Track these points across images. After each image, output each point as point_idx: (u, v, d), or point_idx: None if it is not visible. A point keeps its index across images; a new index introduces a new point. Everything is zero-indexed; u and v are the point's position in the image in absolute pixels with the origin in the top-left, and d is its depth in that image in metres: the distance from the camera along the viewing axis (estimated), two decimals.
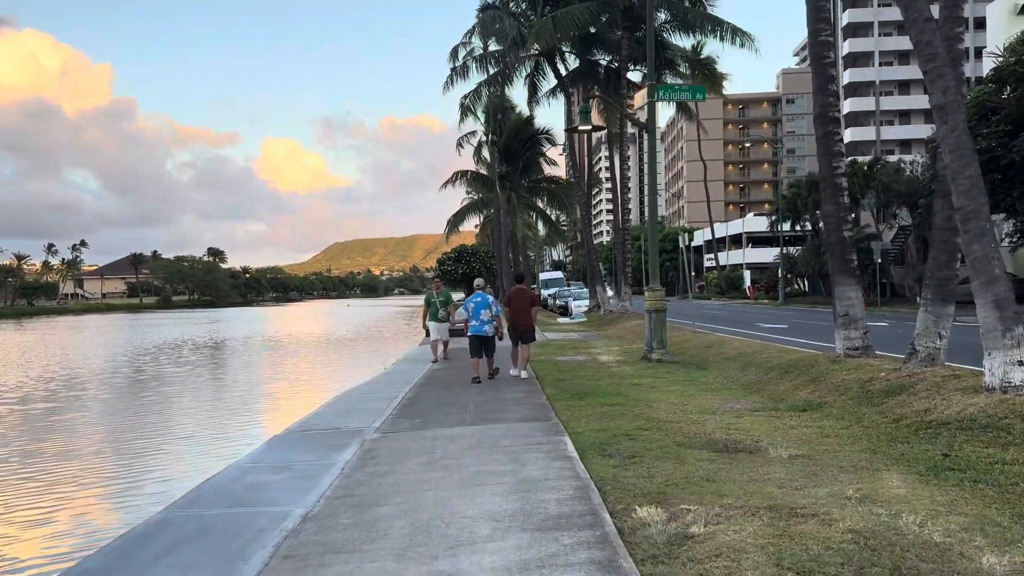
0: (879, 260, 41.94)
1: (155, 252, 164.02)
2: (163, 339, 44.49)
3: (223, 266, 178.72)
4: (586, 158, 37.14)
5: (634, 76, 33.68)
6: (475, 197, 39.77)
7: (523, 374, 13.46)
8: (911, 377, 8.86)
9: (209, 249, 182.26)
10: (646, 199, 14.76)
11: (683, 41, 32.36)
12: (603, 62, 33.75)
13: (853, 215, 44.75)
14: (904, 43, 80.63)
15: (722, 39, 28.50)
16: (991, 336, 7.40)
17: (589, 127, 15.15)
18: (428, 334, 17.69)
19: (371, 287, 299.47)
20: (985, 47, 54.22)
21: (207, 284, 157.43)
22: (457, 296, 18.98)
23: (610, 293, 35.20)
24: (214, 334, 49.09)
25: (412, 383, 13.56)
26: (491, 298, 13.48)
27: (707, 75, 33.61)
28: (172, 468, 10.80)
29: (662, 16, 31.86)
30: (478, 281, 14.11)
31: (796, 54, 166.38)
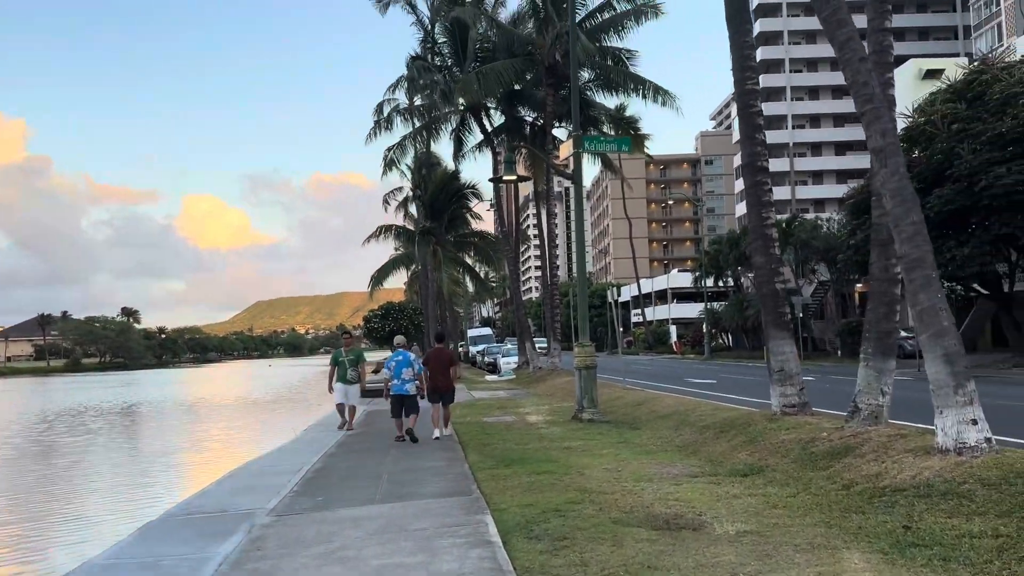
0: (800, 314, 42.62)
1: (65, 312, 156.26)
2: (66, 405, 41.53)
3: (137, 327, 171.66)
4: (514, 214, 36.85)
5: (559, 133, 33.77)
6: (402, 252, 38.96)
7: (445, 432, 13.35)
8: (855, 437, 8.32)
9: (123, 309, 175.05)
10: (574, 252, 14.07)
11: (607, 100, 32.67)
12: (529, 118, 33.75)
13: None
14: (814, 107, 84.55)
15: (644, 97, 28.80)
16: (942, 393, 6.90)
17: (514, 177, 14.64)
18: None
19: (295, 346, 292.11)
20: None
21: (120, 346, 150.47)
22: (374, 355, 17.60)
23: (541, 346, 34.56)
24: (121, 398, 46.20)
25: (322, 452, 12.42)
26: (412, 356, 13.38)
27: (630, 134, 33.90)
28: (18, 567, 9.13)
29: (586, 75, 32.14)
30: (398, 339, 14.16)
31: (713, 118, 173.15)
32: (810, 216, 56.41)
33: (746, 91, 11.14)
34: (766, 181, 11.20)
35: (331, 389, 15.22)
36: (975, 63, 29.48)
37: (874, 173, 7.33)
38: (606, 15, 28.87)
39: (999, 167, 25.19)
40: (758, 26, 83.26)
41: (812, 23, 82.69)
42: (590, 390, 14.83)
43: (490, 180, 15.78)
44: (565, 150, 15.53)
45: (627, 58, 30.26)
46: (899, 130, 32.60)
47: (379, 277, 36.88)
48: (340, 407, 15.54)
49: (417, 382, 13.11)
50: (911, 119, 30.40)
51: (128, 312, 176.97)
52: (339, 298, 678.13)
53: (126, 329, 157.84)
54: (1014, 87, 25.60)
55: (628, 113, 34.03)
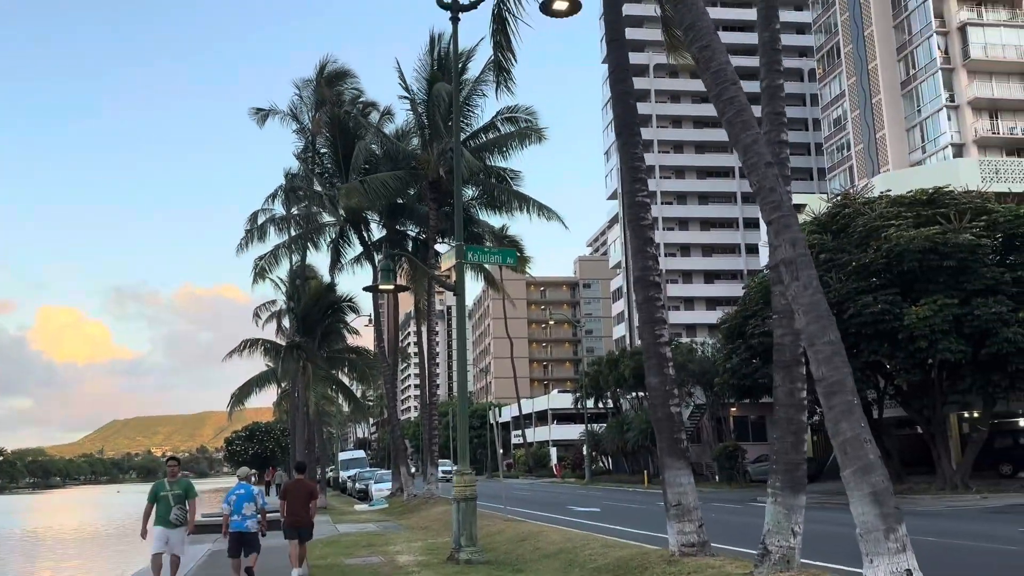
0: None
1: None
2: None
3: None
4: (393, 330, 35.47)
5: (442, 248, 33.16)
6: (268, 369, 36.46)
7: (302, 572, 12.64)
8: None
9: None
10: (455, 371, 12.79)
11: (491, 219, 32.49)
12: (411, 233, 33.06)
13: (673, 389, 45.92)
14: (684, 237, 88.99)
15: (529, 214, 28.75)
16: (871, 538, 6.00)
17: (391, 286, 13.51)
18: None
19: (149, 470, 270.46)
20: (757, 243, 60.22)
21: None
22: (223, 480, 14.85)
23: (444, 469, 32.46)
24: None
25: None
26: (256, 489, 12.44)
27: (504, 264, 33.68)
28: None
29: (470, 192, 32.00)
30: (242, 470, 13.15)
31: (590, 244, 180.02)
32: (684, 340, 57.81)
33: (636, 203, 10.62)
34: (659, 296, 10.55)
35: (144, 534, 11.18)
36: (837, 197, 31.30)
37: (784, 286, 6.69)
38: (491, 135, 29.04)
39: (866, 296, 26.17)
40: None
41: (681, 160, 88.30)
42: (469, 525, 13.30)
43: (365, 289, 14.76)
44: (448, 261, 14.60)
45: (511, 177, 30.38)
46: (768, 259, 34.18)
47: (240, 396, 34.11)
48: (157, 559, 11.45)
49: (259, 518, 12.22)
50: None
51: None
52: (202, 418, 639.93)
53: None
54: (875, 221, 27.06)
55: (511, 233, 33.98)
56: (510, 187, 29.87)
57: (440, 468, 32.18)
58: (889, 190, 30.26)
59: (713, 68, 6.87)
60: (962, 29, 55.74)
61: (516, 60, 14.54)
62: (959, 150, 54.92)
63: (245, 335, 34.90)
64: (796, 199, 51.12)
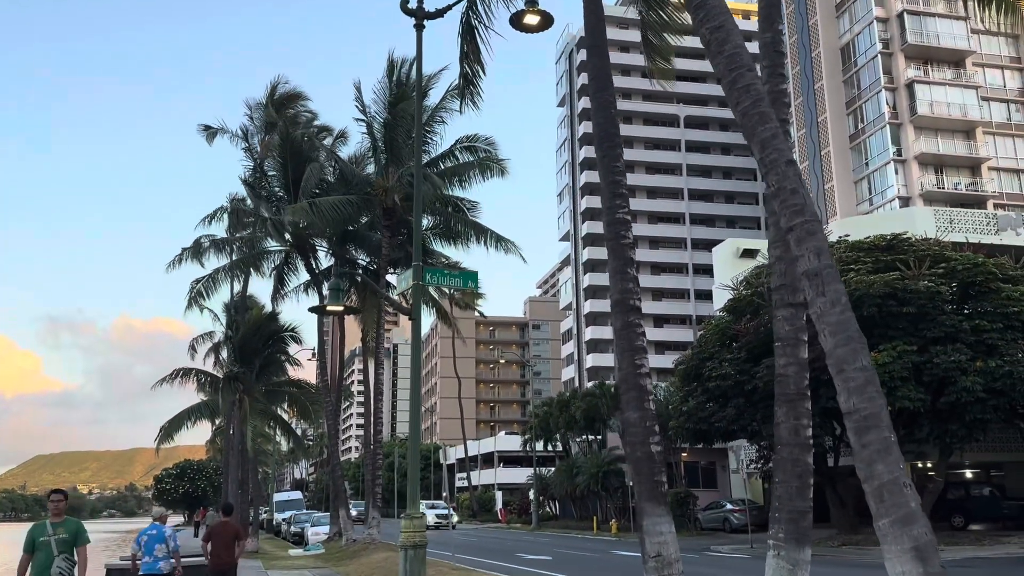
0: (631, 483, 41.51)
1: None
2: None
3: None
4: (338, 365, 33.84)
5: (393, 279, 31.90)
6: (200, 402, 34.37)
7: None
8: None
9: None
10: (399, 410, 11.56)
11: (447, 250, 31.40)
12: (362, 262, 31.75)
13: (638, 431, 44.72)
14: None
15: (487, 245, 27.79)
16: None
17: (340, 308, 12.28)
18: None
19: (74, 508, 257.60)
20: (709, 288, 60.27)
21: None
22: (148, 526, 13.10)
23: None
24: None
25: None
26: (168, 530, 11.95)
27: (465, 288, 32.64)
28: None
29: (426, 222, 30.95)
30: (156, 511, 13.31)
31: (539, 286, 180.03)
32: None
33: (616, 220, 9.70)
34: (639, 323, 9.58)
35: None
36: None
37: (811, 302, 5.75)
38: (448, 163, 28.11)
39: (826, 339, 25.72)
40: (584, 202, 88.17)
41: (633, 204, 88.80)
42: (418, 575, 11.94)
43: (312, 309, 13.60)
44: (405, 283, 13.46)
45: (468, 208, 29.43)
46: (725, 301, 33.82)
47: (170, 429, 31.90)
48: None
49: (173, 561, 11.69)
50: (736, 292, 31.25)
51: None
52: (133, 454, 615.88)
53: None
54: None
55: (466, 267, 32.95)
56: (467, 217, 28.91)
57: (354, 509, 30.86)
58: (847, 235, 30.17)
59: (727, 51, 6.02)
60: (909, 86, 57.37)
61: (485, 73, 13.66)
62: (905, 203, 56.05)
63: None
64: (751, 243, 51.47)
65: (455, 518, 52.24)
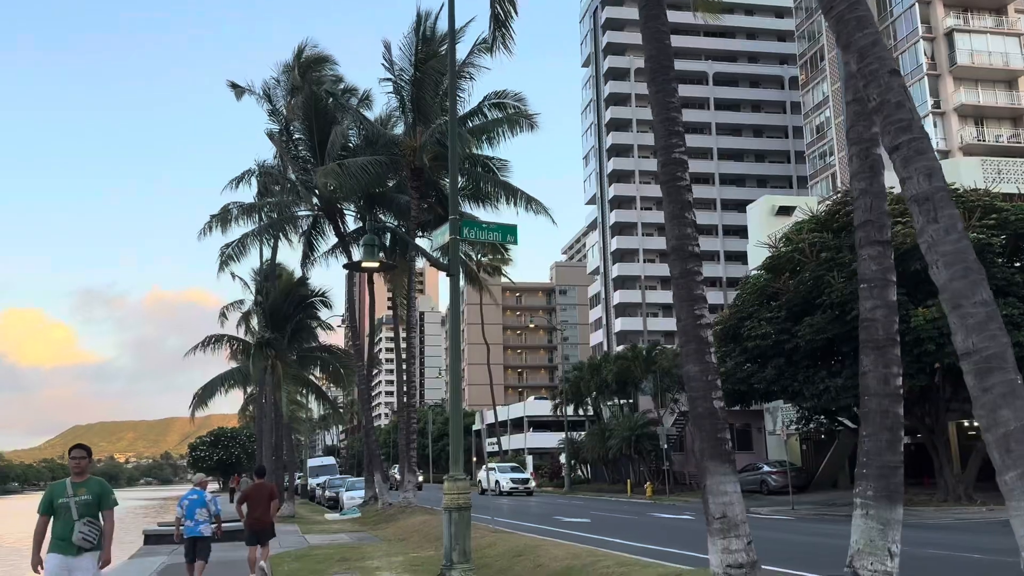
0: (664, 446, 41.08)
1: None
2: None
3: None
4: (370, 328, 33.52)
5: (423, 243, 31.40)
6: (234, 367, 34.29)
7: (262, 563, 12.50)
8: None
9: None
10: (448, 364, 11.06)
11: (476, 212, 30.78)
12: (390, 224, 31.24)
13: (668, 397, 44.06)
14: (663, 243, 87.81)
15: (516, 207, 27.13)
16: None
17: (376, 264, 11.75)
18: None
19: (112, 476, 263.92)
20: (744, 250, 59.13)
21: None
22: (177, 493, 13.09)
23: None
24: None
25: None
26: (208, 495, 12.39)
27: (495, 247, 32.10)
28: None
29: None
30: (196, 476, 13.36)
31: (564, 252, 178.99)
32: (669, 347, 56.43)
33: (672, 160, 9.02)
34: (699, 270, 8.93)
35: (37, 567, 7.18)
36: (836, 195, 30.03)
37: (920, 230, 5.07)
38: (477, 120, 27.35)
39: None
40: (611, 164, 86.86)
41: None
42: (462, 539, 11.52)
43: (345, 266, 13.14)
44: (442, 238, 12.89)
45: (497, 167, 28.72)
46: (763, 259, 32.92)
47: (204, 396, 31.83)
48: None
49: (214, 524, 12.21)
50: (774, 249, 30.34)
51: None
52: (167, 424, 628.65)
53: None
54: None
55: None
56: (496, 177, 28.21)
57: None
58: (892, 187, 29.04)
59: None
60: (948, 35, 55.25)
61: (516, 12, 12.94)
62: (944, 156, 54.26)
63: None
64: (786, 200, 50.24)
65: (533, 483, 47.59)
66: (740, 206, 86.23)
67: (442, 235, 12.91)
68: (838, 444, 35.73)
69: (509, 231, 13.06)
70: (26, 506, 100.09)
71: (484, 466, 49.11)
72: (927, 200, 4.98)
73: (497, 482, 44.25)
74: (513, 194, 27.26)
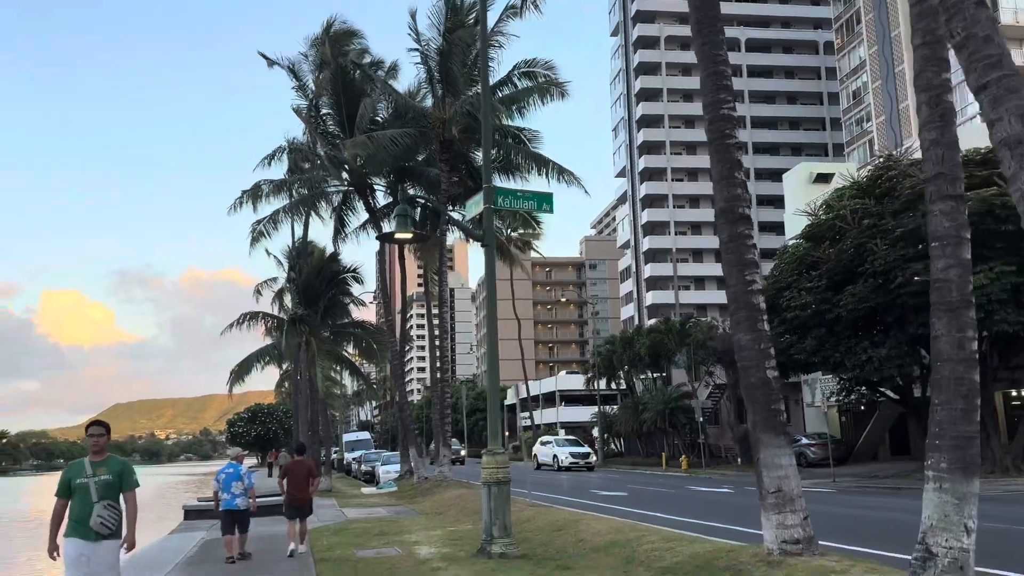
0: (700, 419, 40.65)
1: None
2: None
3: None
4: (402, 303, 33.39)
5: (454, 215, 31.09)
6: (269, 344, 34.48)
7: (301, 549, 12.64)
8: None
9: None
10: (486, 338, 10.84)
11: (506, 184, 30.35)
12: (420, 199, 30.96)
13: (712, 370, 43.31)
14: (695, 215, 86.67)
15: (548, 178, 26.64)
16: None
17: (409, 235, 11.48)
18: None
19: (153, 453, 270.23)
20: (780, 219, 58.02)
21: None
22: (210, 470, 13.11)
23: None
24: None
25: None
26: (243, 468, 12.73)
27: (527, 218, 31.73)
28: None
29: (480, 156, 29.90)
30: (233, 450, 13.76)
31: (593, 226, 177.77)
32: (704, 319, 55.76)
33: (721, 116, 8.56)
34: (749, 234, 8.50)
35: (53, 553, 6.49)
36: (879, 159, 29.11)
37: (1010, 177, 4.62)
38: (506, 90, 26.83)
39: (916, 263, 24.12)
40: (641, 135, 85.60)
41: (692, 135, 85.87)
42: (502, 514, 11.31)
43: (378, 237, 12.92)
44: (475, 207, 12.55)
45: (528, 139, 28.23)
46: (802, 228, 32.08)
47: (240, 371, 32.04)
48: None
49: (250, 495, 12.56)
50: (814, 217, 29.57)
51: None
52: (205, 401, 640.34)
53: None
54: (924, 183, 24.93)
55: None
56: (527, 148, 27.72)
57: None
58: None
59: None
60: None
61: None
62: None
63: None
64: (824, 167, 49.02)
65: (594, 458, 43.22)
66: (774, 175, 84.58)
67: (476, 205, 12.56)
68: (879, 416, 35.02)
69: (545, 199, 12.68)
70: None
71: (539, 440, 46.86)
72: (1020, 143, 4.51)
73: (555, 456, 42.05)
74: (544, 165, 26.77)
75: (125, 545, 6.55)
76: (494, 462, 11.52)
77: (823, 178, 42.94)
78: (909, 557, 7.93)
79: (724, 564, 8.07)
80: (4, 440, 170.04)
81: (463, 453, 62.02)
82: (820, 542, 8.31)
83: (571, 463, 40.03)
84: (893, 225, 25.39)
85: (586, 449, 42.93)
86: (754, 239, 8.64)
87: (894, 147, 56.79)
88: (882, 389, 29.63)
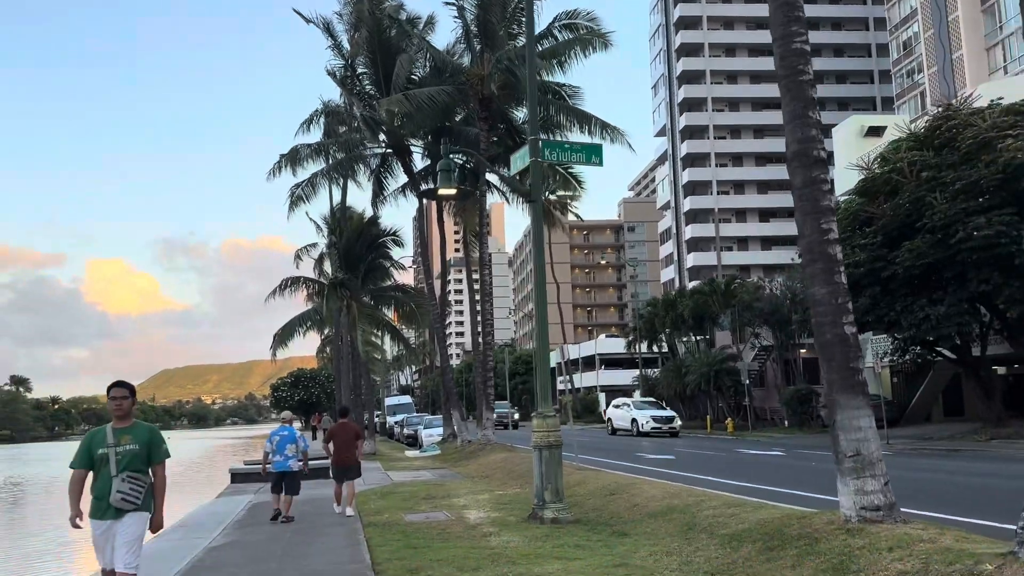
0: (746, 381, 39.91)
1: None
2: None
3: (29, 396, 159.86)
4: (443, 266, 33.10)
5: (493, 179, 30.53)
6: (310, 308, 34.51)
7: (348, 511, 12.67)
8: None
9: (12, 377, 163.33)
10: (529, 300, 10.30)
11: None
12: (459, 161, 30.39)
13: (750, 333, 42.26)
14: (738, 174, 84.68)
15: (591, 134, 25.86)
16: None
17: (453, 190, 11.01)
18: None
19: (200, 417, 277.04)
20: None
21: (6, 417, 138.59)
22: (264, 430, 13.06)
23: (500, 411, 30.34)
24: None
25: None
26: (297, 432, 12.82)
27: (567, 180, 30.99)
28: None
29: (520, 115, 29.19)
30: (285, 413, 13.78)
31: (631, 188, 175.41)
32: (751, 279, 54.67)
33: (793, 51, 7.86)
34: (825, 178, 7.84)
35: (76, 520, 5.76)
36: (937, 109, 27.75)
37: None
38: (546, 44, 25.98)
39: (977, 217, 23.01)
40: (682, 92, 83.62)
41: (734, 91, 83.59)
42: (554, 478, 10.92)
43: (421, 193, 12.40)
44: (520, 161, 11.99)
45: (569, 95, 27.43)
46: (854, 183, 30.86)
47: (283, 336, 32.11)
48: None
49: (302, 458, 12.72)
50: (867, 171, 28.40)
51: (17, 381, 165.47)
52: (250, 366, 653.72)
53: (13, 399, 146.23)
54: (987, 132, 23.68)
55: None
56: (568, 104, 26.92)
57: (497, 410, 29.82)
58: (1000, 98, 26.67)
59: None
60: None
61: None
62: None
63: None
64: (876, 120, 47.24)
65: (678, 422, 38.62)
66: (829, 127, 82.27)
67: (522, 159, 12.00)
68: (933, 376, 33.97)
69: (594, 151, 12.06)
70: None
71: (612, 403, 43.68)
72: None
73: (635, 420, 38.47)
74: (587, 121, 26.00)
75: (152, 523, 5.76)
76: (545, 425, 11.12)
77: (875, 131, 41.36)
78: (1002, 525, 7.32)
79: (796, 532, 7.57)
80: (57, 406, 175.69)
81: (516, 416, 61.02)
82: (904, 508, 7.74)
83: (653, 428, 36.92)
84: (953, 177, 24.23)
85: (670, 413, 39.12)
86: (830, 184, 7.97)
87: (947, 98, 54.57)
88: (939, 349, 28.62)
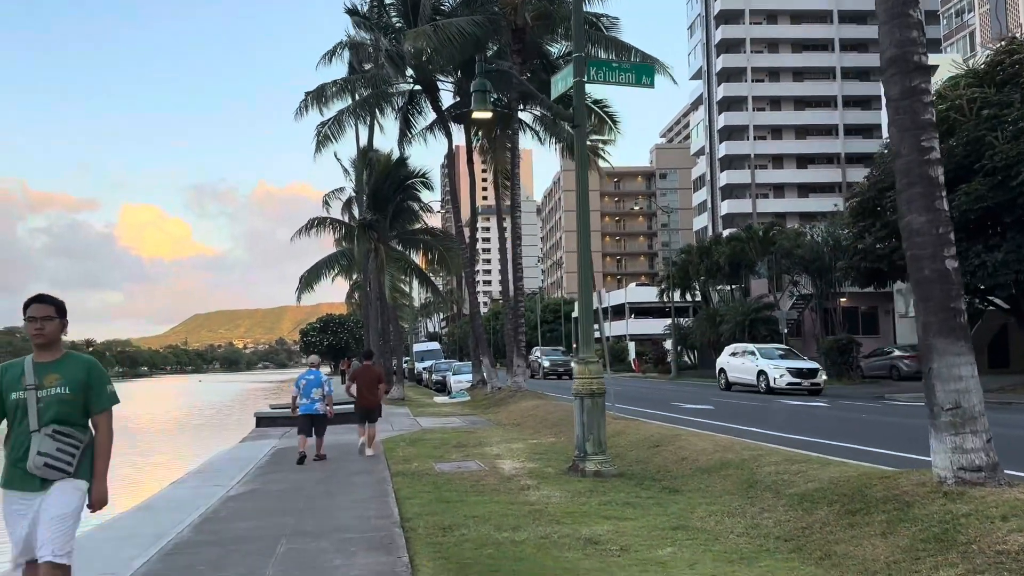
0: (784, 331, 38.76)
1: None
2: None
3: (63, 338, 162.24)
4: (472, 209, 32.08)
5: (526, 117, 29.31)
6: (337, 251, 33.80)
7: (370, 452, 12.95)
8: None
9: None
10: (577, 229, 9.43)
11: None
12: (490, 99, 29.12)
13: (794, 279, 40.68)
14: (775, 118, 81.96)
15: None
16: None
17: (488, 114, 10.07)
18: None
19: (232, 361, 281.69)
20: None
21: None
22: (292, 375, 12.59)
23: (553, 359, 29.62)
24: None
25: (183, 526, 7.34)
26: (324, 376, 13.11)
27: (602, 118, 29.64)
28: None
29: (555, 49, 27.80)
30: (312, 358, 14.23)
31: (663, 135, 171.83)
32: (790, 226, 53.04)
33: None
34: (927, 88, 6.73)
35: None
36: (1000, 43, 25.86)
37: None
38: None
39: None
40: (719, 33, 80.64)
41: (774, 31, 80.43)
42: (596, 428, 10.08)
43: (455, 117, 11.48)
44: (563, 84, 10.90)
45: (607, 27, 25.94)
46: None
47: (309, 279, 31.53)
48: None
49: (327, 401, 12.87)
50: None
51: None
52: (281, 312, 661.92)
53: None
54: None
55: (599, 97, 29.70)
56: (606, 35, 25.47)
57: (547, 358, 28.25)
58: None
59: None
60: None
61: None
62: None
63: (316, 230, 32.16)
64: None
65: (823, 376, 28.55)
66: (861, 75, 79.02)
67: (565, 80, 10.92)
68: (981, 326, 32.57)
69: (645, 71, 10.94)
70: (154, 387, 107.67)
71: (727, 351, 33.05)
72: None
73: (762, 374, 28.39)
74: (627, 52, 24.57)
75: (92, 497, 4.04)
76: (587, 372, 10.24)
77: (926, 71, 39.03)
78: None
79: (881, 494, 6.65)
80: (91, 348, 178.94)
81: (573, 364, 58.17)
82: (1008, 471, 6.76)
83: (789, 384, 27.26)
84: (1016, 116, 22.58)
85: (813, 364, 28.87)
86: (931, 97, 6.84)
87: (999, 39, 51.67)
88: (991, 297, 27.21)
